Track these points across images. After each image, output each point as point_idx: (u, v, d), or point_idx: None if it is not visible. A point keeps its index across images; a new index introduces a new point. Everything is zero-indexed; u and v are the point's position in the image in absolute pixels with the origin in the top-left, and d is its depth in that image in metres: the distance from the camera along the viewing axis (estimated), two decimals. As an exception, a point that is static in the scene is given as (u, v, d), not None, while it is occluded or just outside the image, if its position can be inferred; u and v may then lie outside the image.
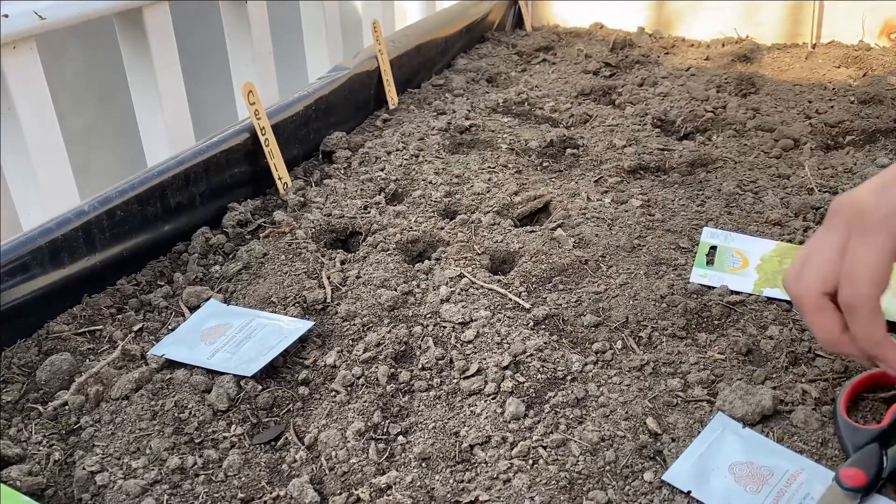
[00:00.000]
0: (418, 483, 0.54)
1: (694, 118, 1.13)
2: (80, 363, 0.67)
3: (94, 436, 0.60)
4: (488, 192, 0.92)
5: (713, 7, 1.55)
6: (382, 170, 0.98)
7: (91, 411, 0.62)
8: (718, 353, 0.65)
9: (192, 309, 0.73)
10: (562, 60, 1.46)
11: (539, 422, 0.59)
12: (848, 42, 1.45)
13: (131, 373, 0.64)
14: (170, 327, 0.71)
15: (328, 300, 0.74)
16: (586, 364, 0.64)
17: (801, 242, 0.79)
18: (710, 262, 0.77)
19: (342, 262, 0.79)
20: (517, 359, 0.64)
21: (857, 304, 0.51)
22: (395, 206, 0.90)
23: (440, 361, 0.65)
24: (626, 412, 0.59)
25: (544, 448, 0.56)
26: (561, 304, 0.72)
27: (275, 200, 0.93)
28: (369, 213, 0.88)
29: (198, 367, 0.65)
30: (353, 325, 0.70)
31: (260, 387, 0.63)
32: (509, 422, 0.59)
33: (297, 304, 0.73)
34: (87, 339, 0.70)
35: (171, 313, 0.74)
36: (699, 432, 0.57)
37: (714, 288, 0.73)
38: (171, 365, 0.66)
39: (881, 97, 1.15)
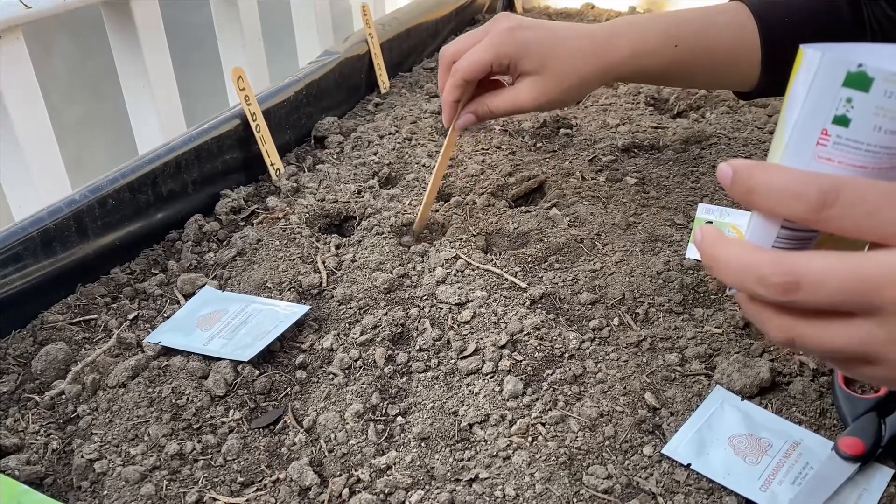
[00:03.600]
0: (418, 462, 0.54)
1: (687, 95, 1.13)
2: (76, 352, 0.66)
3: (92, 424, 0.59)
4: (482, 173, 0.92)
5: (705, -16, 1.54)
6: (375, 154, 0.97)
7: (88, 400, 0.62)
8: (715, 327, 0.65)
9: (187, 296, 0.73)
10: (554, 41, 1.45)
11: (537, 399, 0.58)
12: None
13: (127, 360, 0.64)
14: (165, 315, 0.71)
15: (324, 284, 0.73)
16: (584, 341, 0.64)
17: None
18: (705, 238, 0.76)
19: (337, 247, 0.79)
20: (514, 338, 0.64)
21: (455, 69, 0.73)
22: (389, 189, 0.90)
23: (437, 342, 0.65)
24: (625, 388, 0.59)
25: (543, 425, 0.56)
26: (557, 283, 0.71)
27: (268, 186, 0.93)
28: (363, 197, 0.88)
29: (194, 353, 0.65)
30: (350, 308, 0.70)
31: (257, 371, 0.63)
32: (508, 400, 0.59)
33: (292, 289, 0.72)
34: (82, 328, 0.70)
35: (166, 301, 0.73)
36: (698, 406, 0.57)
37: (710, 263, 0.72)
38: (168, 352, 0.66)
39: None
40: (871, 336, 0.35)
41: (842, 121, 0.35)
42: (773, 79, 0.76)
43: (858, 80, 0.34)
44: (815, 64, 0.36)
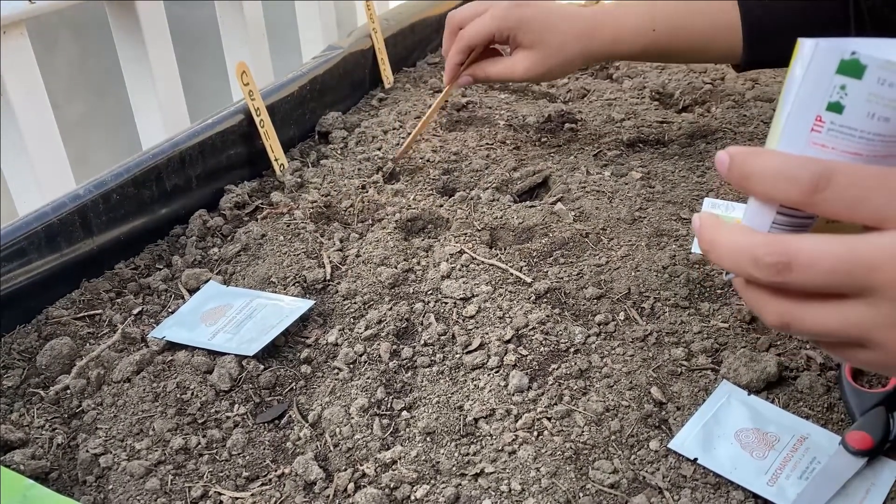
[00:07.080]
0: (423, 457, 0.54)
1: (692, 90, 1.12)
2: (81, 347, 0.66)
3: (97, 419, 0.59)
4: (487, 168, 0.92)
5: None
6: (379, 149, 0.97)
7: (93, 395, 0.62)
8: (722, 321, 0.65)
9: (192, 291, 0.73)
10: (558, 36, 1.45)
11: (543, 394, 0.58)
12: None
13: (132, 355, 0.64)
14: (170, 310, 0.71)
15: (328, 279, 0.73)
16: (589, 336, 0.64)
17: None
18: (711, 232, 0.76)
19: (341, 241, 0.79)
20: (519, 332, 0.64)
21: (461, 36, 0.84)
22: (394, 184, 0.90)
23: (442, 337, 0.65)
24: (631, 382, 0.59)
25: (549, 419, 0.56)
26: (562, 278, 0.71)
27: (272, 182, 0.93)
28: (367, 192, 0.88)
29: (199, 348, 0.65)
30: (354, 303, 0.70)
31: (262, 366, 0.63)
32: (513, 394, 0.58)
33: (297, 284, 0.72)
34: (87, 323, 0.70)
35: (171, 296, 0.73)
36: (704, 400, 0.57)
37: (716, 257, 0.72)
38: (172, 347, 0.66)
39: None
40: (864, 318, 0.35)
41: (835, 107, 0.36)
42: (757, 56, 0.83)
43: (851, 68, 0.35)
44: (810, 52, 0.36)
